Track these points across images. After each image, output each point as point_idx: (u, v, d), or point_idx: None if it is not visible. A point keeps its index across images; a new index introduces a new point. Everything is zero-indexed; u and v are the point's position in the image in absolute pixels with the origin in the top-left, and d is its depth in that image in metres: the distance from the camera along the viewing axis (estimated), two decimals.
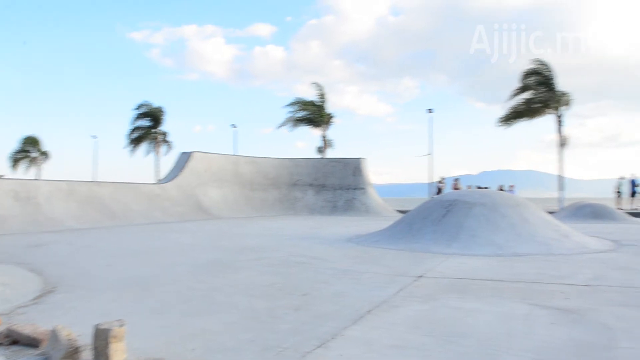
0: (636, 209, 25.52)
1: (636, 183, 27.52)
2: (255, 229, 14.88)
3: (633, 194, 27.36)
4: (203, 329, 3.78)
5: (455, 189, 27.13)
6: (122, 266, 7.35)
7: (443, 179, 30.07)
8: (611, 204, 22.96)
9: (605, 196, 35.29)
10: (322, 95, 34.75)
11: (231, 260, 7.81)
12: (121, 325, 2.81)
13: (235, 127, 45.78)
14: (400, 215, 14.91)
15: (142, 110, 41.83)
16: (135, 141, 42.12)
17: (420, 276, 6.18)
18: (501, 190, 28.52)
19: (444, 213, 10.00)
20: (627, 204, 27.00)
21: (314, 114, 34.15)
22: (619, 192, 27.85)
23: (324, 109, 34.50)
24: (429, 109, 36.79)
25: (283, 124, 34.98)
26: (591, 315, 4.18)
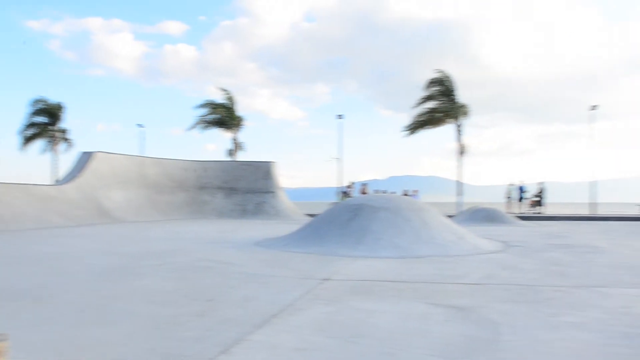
0: (524, 213, 27.81)
1: (524, 189, 30.02)
2: (160, 233, 14.37)
3: (521, 199, 29.81)
4: (99, 340, 3.60)
5: (363, 193, 27.98)
6: (9, 275, 6.79)
7: (352, 183, 30.89)
8: (502, 208, 24.84)
9: (498, 201, 38.05)
10: (230, 99, 34.37)
11: (133, 266, 7.49)
12: (3, 340, 2.60)
13: (142, 127, 43.82)
14: (310, 219, 15.12)
15: (38, 106, 38.87)
16: (30, 139, 39.04)
17: (327, 279, 6.31)
18: (406, 195, 29.84)
19: (351, 217, 10.28)
20: (516, 208, 29.32)
21: (224, 117, 33.68)
22: (509, 197, 30.17)
23: (234, 111, 34.13)
24: (339, 115, 37.59)
25: (193, 126, 34.16)
26: (481, 311, 4.50)
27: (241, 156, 33.75)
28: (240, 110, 34.55)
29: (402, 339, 3.62)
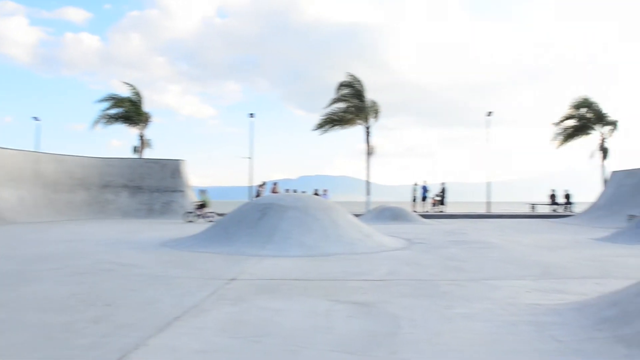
0: (427, 212, 29.22)
1: (427, 189, 31.53)
2: (58, 235, 13.42)
3: (424, 198, 31.29)
4: None
5: (274, 192, 27.94)
6: None
7: (264, 182, 30.74)
8: (408, 207, 25.94)
9: (404, 200, 39.70)
10: (137, 93, 32.87)
11: (24, 270, 6.93)
12: None
13: (38, 120, 40.62)
14: (220, 218, 14.85)
15: None
16: None
17: (233, 279, 6.24)
18: (316, 194, 30.22)
19: (260, 216, 10.25)
20: (420, 207, 30.72)
21: (130, 112, 32.11)
22: (414, 196, 31.56)
23: (141, 106, 32.67)
24: (251, 114, 37.25)
25: (96, 121, 32.22)
26: (383, 306, 4.68)
27: (148, 153, 32.36)
28: (147, 105, 33.19)
29: (305, 336, 3.67)
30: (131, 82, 33.82)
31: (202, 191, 21.42)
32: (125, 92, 33.04)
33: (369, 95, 31.46)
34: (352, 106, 31.38)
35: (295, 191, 28.56)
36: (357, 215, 18.14)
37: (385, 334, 3.77)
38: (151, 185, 25.32)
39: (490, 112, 34.73)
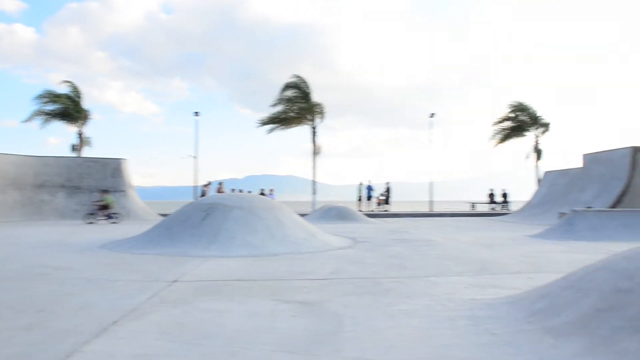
0: (372, 211, 29.71)
1: (372, 188, 32.05)
2: None
3: (369, 197, 31.80)
4: None
5: (220, 192, 27.56)
6: None
7: (209, 182, 30.25)
8: (353, 207, 26.28)
9: (350, 199, 40.18)
10: (76, 89, 31.52)
11: None
12: None
13: None
14: (162, 219, 14.48)
15: None
16: None
17: (175, 280, 6.11)
18: (262, 194, 30.06)
19: (204, 216, 10.09)
20: (365, 206, 31.21)
21: (68, 108, 30.73)
22: (359, 196, 32.01)
23: (79, 103, 31.35)
24: (196, 112, 36.59)
25: (31, 118, 30.60)
26: (326, 305, 4.72)
27: (87, 152, 31.11)
28: (87, 102, 31.80)
29: (248, 337, 3.65)
30: (70, 78, 32.62)
31: (105, 191, 20.62)
32: (63, 88, 31.62)
33: (316, 95, 31.64)
34: (298, 107, 31.41)
35: (241, 191, 28.31)
36: (303, 215, 18.20)
37: (328, 332, 3.80)
38: (91, 185, 24.32)
39: (432, 114, 35.76)
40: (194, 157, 36.06)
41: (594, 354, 3.14)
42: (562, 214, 14.78)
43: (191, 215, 10.48)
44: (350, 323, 4.06)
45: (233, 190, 30.44)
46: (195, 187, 34.82)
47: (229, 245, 9.18)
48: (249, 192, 27.24)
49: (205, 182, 30.83)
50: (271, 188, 31.34)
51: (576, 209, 14.25)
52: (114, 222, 18.95)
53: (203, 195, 28.11)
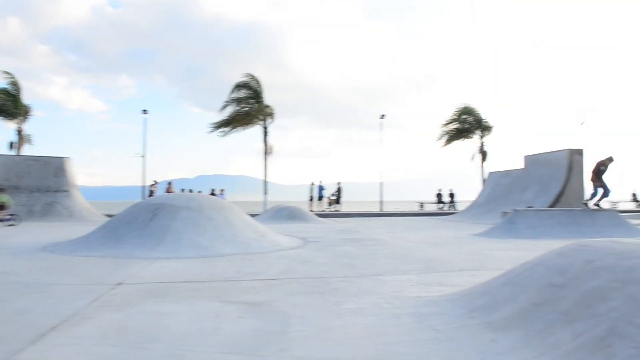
0: (323, 211, 29.89)
1: (323, 188, 32.25)
2: None
3: (320, 197, 31.98)
4: None
5: (169, 192, 26.98)
6: None
7: (156, 182, 29.55)
8: (304, 207, 26.34)
9: (301, 199, 40.23)
10: (15, 83, 30.04)
11: None
12: None
13: None
14: (108, 220, 14.03)
15: None
16: None
17: (119, 283, 5.94)
18: (213, 194, 29.65)
19: (151, 217, 9.84)
20: (316, 206, 31.35)
21: (6, 104, 29.24)
22: (311, 196, 32.13)
23: (19, 98, 29.89)
24: (144, 110, 35.66)
25: None
26: (274, 305, 4.71)
27: (28, 150, 29.69)
28: (28, 97, 30.50)
29: (193, 339, 3.59)
30: (9, 71, 30.86)
31: (1, 189, 19.50)
32: (0, 82, 30.06)
33: (268, 95, 31.52)
34: (250, 106, 31.15)
35: (191, 191, 27.81)
36: (254, 215, 18.09)
37: (275, 332, 3.80)
38: (31, 185, 23.22)
39: (383, 115, 36.35)
40: (142, 156, 35.14)
41: (530, 346, 3.29)
42: (505, 213, 15.36)
43: (138, 215, 10.20)
44: (298, 322, 4.08)
45: (183, 190, 29.88)
46: (143, 187, 33.95)
47: (177, 247, 9.01)
48: (199, 192, 26.82)
49: (152, 182, 30.12)
50: (222, 188, 30.97)
51: (518, 208, 14.84)
52: (11, 225, 17.26)
53: (151, 195, 27.44)
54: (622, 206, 33.94)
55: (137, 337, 3.64)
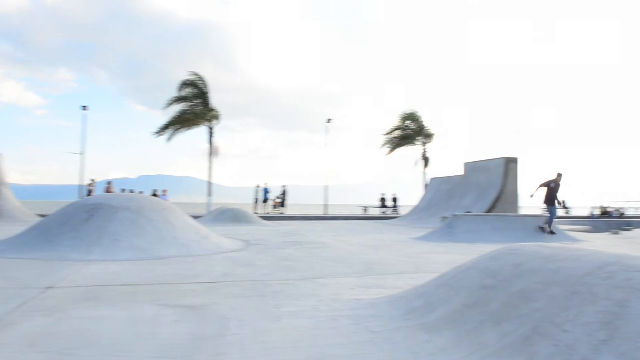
0: (268, 213, 29.77)
1: (268, 191, 32.13)
2: None
3: (265, 200, 31.84)
4: None
5: (108, 192, 26.05)
6: None
7: (94, 181, 28.46)
8: (249, 209, 26.13)
9: (246, 202, 39.89)
10: None
11: None
12: None
13: None
14: (40, 220, 13.35)
15: None
16: None
17: (50, 287, 5.68)
18: (155, 195, 28.90)
19: (87, 217, 9.47)
20: (261, 208, 31.18)
21: None
22: (256, 198, 31.93)
23: None
24: (84, 106, 34.31)
25: None
26: (213, 308, 4.65)
27: None
28: None
29: (127, 344, 3.49)
30: None
31: None
32: None
33: (216, 95, 31.09)
34: (195, 106, 30.56)
35: (132, 191, 26.99)
36: (197, 217, 17.77)
37: (212, 336, 3.76)
38: None
39: (329, 119, 36.64)
40: (80, 154, 33.77)
41: (460, 346, 3.42)
42: (444, 218, 15.87)
43: (73, 216, 9.79)
44: (236, 326, 4.05)
45: (123, 190, 28.94)
46: (80, 186, 32.63)
47: (114, 248, 8.71)
48: (141, 192, 26.07)
49: (89, 181, 28.99)
50: (164, 189, 30.24)
51: (456, 213, 15.36)
52: None
53: (89, 194, 26.40)
54: None
55: (66, 344, 3.50)
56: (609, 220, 25.49)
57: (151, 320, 4.17)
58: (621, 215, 31.57)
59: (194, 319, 4.25)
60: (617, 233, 18.45)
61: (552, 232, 14.11)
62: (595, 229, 19.92)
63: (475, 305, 3.86)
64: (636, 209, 40.03)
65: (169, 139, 30.72)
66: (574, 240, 14.01)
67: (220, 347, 3.50)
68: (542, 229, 14.30)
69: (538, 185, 14.58)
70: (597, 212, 32.40)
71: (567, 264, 3.70)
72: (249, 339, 3.70)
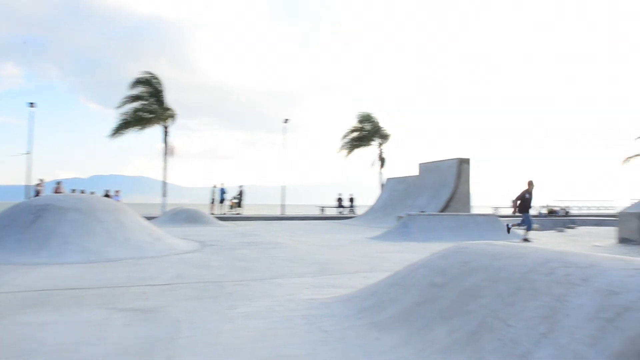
0: (224, 214, 29.43)
1: (224, 191, 31.75)
2: None
3: (222, 200, 31.45)
4: None
5: (57, 192, 25.11)
6: None
7: (42, 181, 27.35)
8: (206, 210, 25.76)
9: (203, 202, 39.31)
10: None
11: None
12: None
13: None
14: None
15: None
16: None
17: None
18: (107, 195, 28.08)
19: (33, 219, 9.10)
20: (218, 209, 30.78)
21: None
22: (212, 199, 31.48)
23: None
24: (31, 103, 32.94)
25: None
26: (165, 311, 4.57)
27: None
28: None
29: (72, 351, 3.38)
30: None
31: None
32: None
33: (172, 94, 30.39)
34: (149, 105, 29.84)
35: (83, 191, 26.12)
36: (151, 218, 17.39)
37: (163, 339, 3.69)
38: None
39: (287, 119, 36.57)
40: (27, 153, 32.42)
41: (411, 342, 3.49)
42: (399, 218, 16.11)
43: (18, 217, 9.38)
44: (188, 328, 3.99)
45: (74, 190, 27.96)
46: (27, 187, 31.33)
47: (63, 251, 8.41)
48: (92, 193, 25.27)
49: (37, 181, 27.88)
50: (117, 189, 29.40)
51: (411, 213, 15.65)
52: None
53: (37, 195, 25.37)
54: (503, 212, 37.06)
55: (7, 352, 3.36)
56: (555, 218, 26.53)
57: (99, 325, 4.06)
58: (566, 214, 32.93)
59: (145, 323, 4.16)
60: (562, 231, 19.25)
61: (527, 240, 13.52)
62: (543, 227, 20.69)
63: (426, 303, 3.94)
64: (580, 208, 41.87)
65: (118, 136, 29.84)
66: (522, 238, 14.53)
67: (171, 350, 3.44)
68: (513, 233, 13.94)
69: (515, 200, 14.17)
70: (545, 211, 33.67)
71: (513, 261, 3.84)
72: (201, 341, 3.66)
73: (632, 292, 2.73)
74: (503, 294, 3.47)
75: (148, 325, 4.08)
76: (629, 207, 13.71)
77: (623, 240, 12.70)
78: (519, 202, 13.97)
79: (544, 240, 14.33)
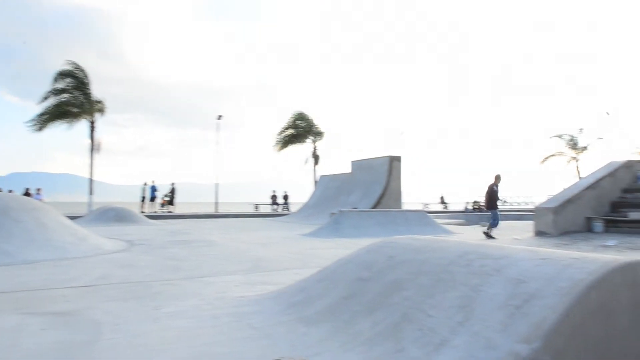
0: (155, 212, 28.60)
1: (156, 189, 30.82)
2: None
3: (153, 198, 30.50)
4: None
5: None
6: None
7: None
8: (136, 208, 24.89)
9: (133, 200, 37.92)
10: None
11: None
12: None
13: None
14: None
15: None
16: None
17: None
18: (27, 194, 26.54)
19: None
20: (148, 207, 29.83)
21: None
22: (143, 196, 30.46)
23: None
24: None
25: None
26: (85, 314, 4.39)
27: None
28: None
29: None
30: None
31: None
32: None
33: (100, 87, 29.14)
34: (74, 98, 28.36)
35: (0, 190, 24.49)
36: (76, 217, 16.61)
37: (83, 342, 3.55)
38: None
39: (220, 116, 36.06)
40: None
41: (336, 336, 3.56)
42: (332, 214, 16.31)
43: None
44: (110, 330, 3.86)
45: None
46: None
47: None
48: (10, 191, 23.79)
49: None
50: (38, 187, 27.80)
51: (342, 209, 15.89)
52: None
53: None
54: (432, 207, 38.47)
55: None
56: (480, 213, 27.83)
57: (12, 331, 3.84)
58: None
59: (63, 327, 3.98)
60: (486, 225, 20.23)
61: (491, 237, 13.42)
62: (468, 222, 21.67)
63: (352, 297, 4.04)
64: (504, 203, 44.17)
65: (40, 131, 28.14)
66: (448, 232, 15.17)
67: (92, 353, 3.32)
68: (486, 234, 13.64)
69: (485, 197, 14.29)
70: (471, 206, 35.23)
71: (435, 254, 4.01)
72: (124, 343, 3.56)
73: (538, 281, 2.93)
74: (425, 286, 3.62)
75: (67, 329, 3.90)
76: (544, 202, 14.61)
77: (539, 233, 13.54)
78: (488, 197, 14.04)
79: (467, 234, 15.02)
